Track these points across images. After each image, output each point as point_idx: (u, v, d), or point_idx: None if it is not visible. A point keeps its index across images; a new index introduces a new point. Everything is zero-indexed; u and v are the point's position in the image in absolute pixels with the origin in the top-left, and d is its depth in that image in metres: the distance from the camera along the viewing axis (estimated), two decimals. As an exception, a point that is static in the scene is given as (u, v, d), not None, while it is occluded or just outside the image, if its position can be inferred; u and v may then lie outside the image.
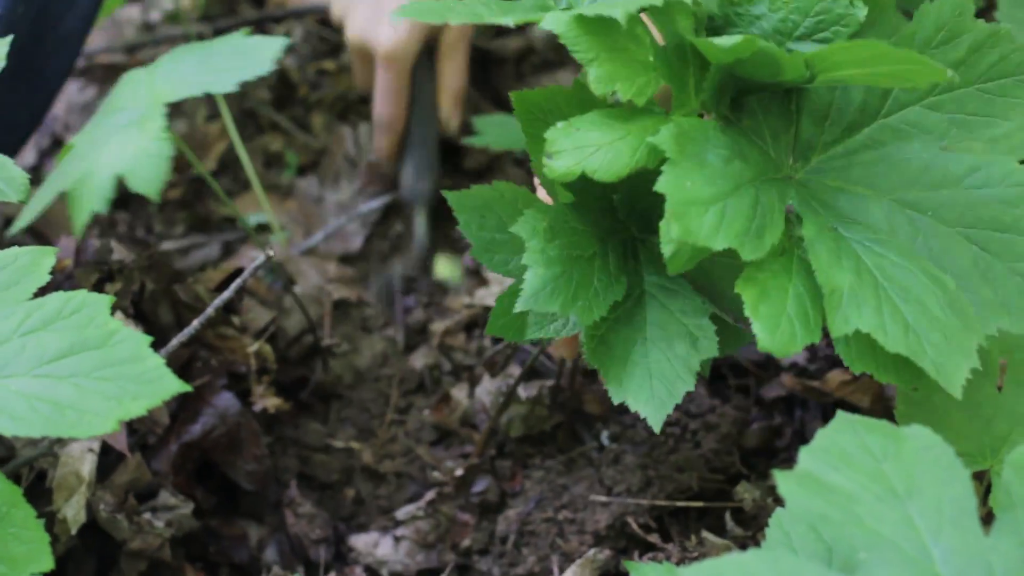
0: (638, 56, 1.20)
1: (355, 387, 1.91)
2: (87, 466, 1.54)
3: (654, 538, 1.60)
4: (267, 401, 1.73)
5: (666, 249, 1.10)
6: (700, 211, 1.10)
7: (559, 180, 1.16)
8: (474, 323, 1.94)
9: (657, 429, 1.25)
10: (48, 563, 1.02)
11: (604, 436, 1.73)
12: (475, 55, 2.30)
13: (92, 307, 1.04)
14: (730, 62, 1.20)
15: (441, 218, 2.10)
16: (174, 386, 1.00)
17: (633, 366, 1.29)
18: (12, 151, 1.81)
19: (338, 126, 2.26)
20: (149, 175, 1.43)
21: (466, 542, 1.68)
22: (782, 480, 0.95)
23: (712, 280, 1.36)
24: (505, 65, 2.34)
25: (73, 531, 1.50)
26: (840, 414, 1.01)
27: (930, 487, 0.95)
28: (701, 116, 1.25)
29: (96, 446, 1.56)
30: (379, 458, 1.82)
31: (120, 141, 1.48)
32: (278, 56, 1.52)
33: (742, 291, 1.13)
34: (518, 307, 1.19)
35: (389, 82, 2.06)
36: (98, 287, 1.65)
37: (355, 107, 2.28)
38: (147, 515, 1.57)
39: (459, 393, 1.83)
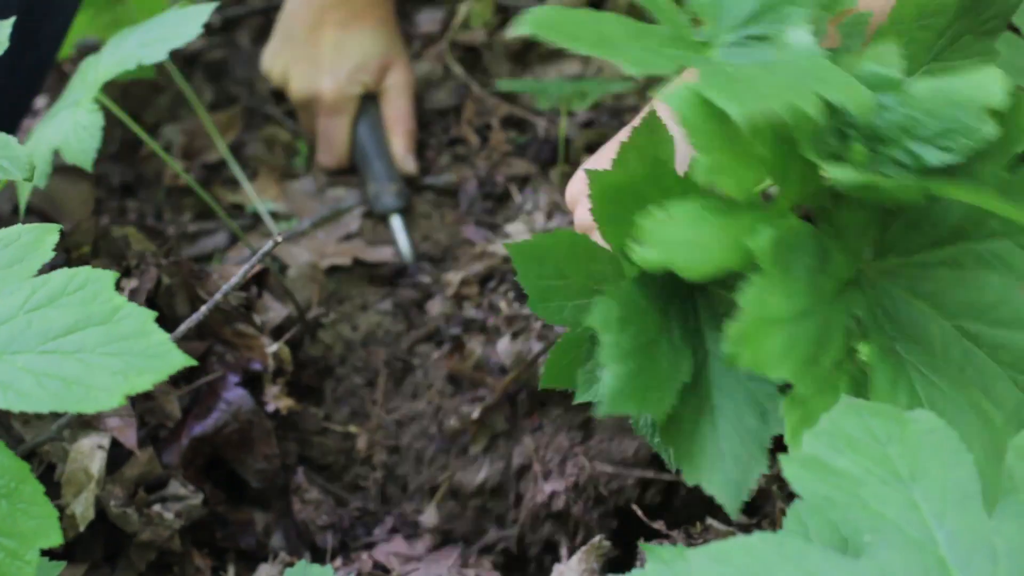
0: (751, 148, 1.10)
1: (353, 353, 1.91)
2: (96, 463, 1.54)
3: (659, 524, 1.61)
4: (281, 403, 1.73)
5: (729, 350, 1.05)
6: (772, 333, 1.05)
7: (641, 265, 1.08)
8: (489, 275, 1.94)
9: (734, 516, 1.19)
10: (57, 538, 1.02)
11: None
12: (476, 47, 2.32)
13: (97, 283, 1.04)
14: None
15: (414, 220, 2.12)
16: (180, 360, 1.00)
17: (703, 441, 1.21)
18: (10, 129, 1.83)
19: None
20: (82, 146, 1.53)
21: (480, 476, 1.69)
22: (787, 463, 0.95)
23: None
24: (506, 58, 2.35)
25: (81, 527, 1.50)
26: (844, 398, 1.01)
27: (934, 470, 0.95)
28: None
29: (106, 442, 1.56)
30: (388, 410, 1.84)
31: (59, 119, 1.57)
32: (204, 22, 1.60)
33: (786, 414, 1.09)
34: (601, 412, 1.13)
35: (332, 129, 2.15)
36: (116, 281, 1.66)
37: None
38: (157, 507, 1.57)
39: (474, 344, 1.85)
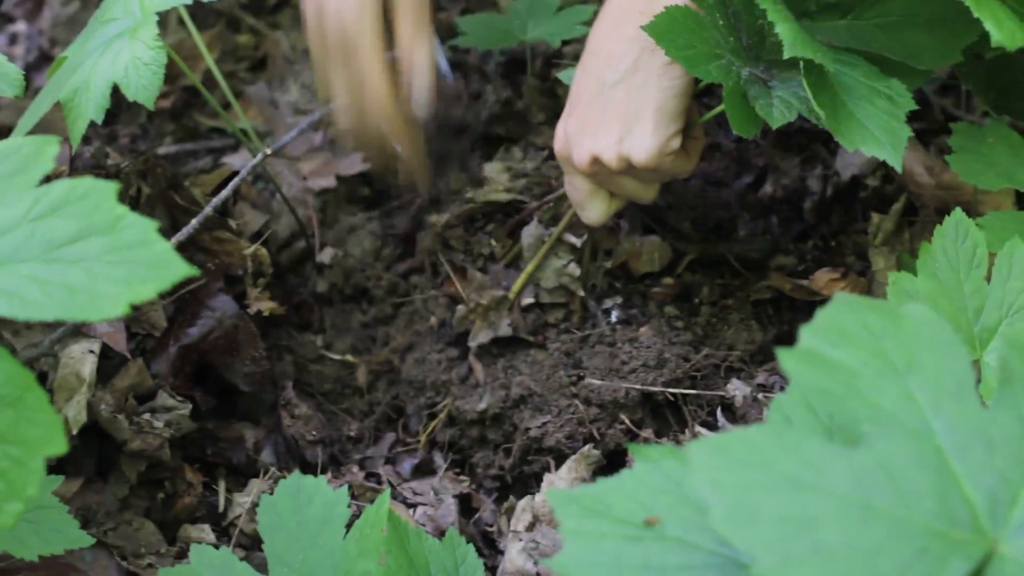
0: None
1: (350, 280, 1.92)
2: (87, 367, 1.55)
3: (647, 433, 1.63)
4: (262, 304, 1.75)
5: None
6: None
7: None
8: (473, 218, 1.95)
9: (899, 169, 1.38)
10: (61, 445, 1.03)
11: (614, 315, 1.77)
12: None
13: (99, 193, 1.04)
14: None
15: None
16: (182, 269, 1.00)
17: (849, 121, 1.41)
18: None
19: (271, 31, 2.27)
20: (144, 83, 1.46)
21: (481, 405, 1.72)
22: (785, 357, 0.96)
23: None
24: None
25: (74, 431, 1.52)
26: (839, 294, 1.02)
27: (929, 363, 0.96)
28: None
29: (96, 348, 1.58)
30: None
31: (113, 51, 1.49)
32: None
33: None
34: (785, 55, 1.33)
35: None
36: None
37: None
38: (146, 416, 1.59)
39: (473, 271, 1.86)
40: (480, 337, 1.79)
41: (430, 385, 1.80)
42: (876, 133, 1.38)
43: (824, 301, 1.70)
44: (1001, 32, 1.23)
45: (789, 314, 1.80)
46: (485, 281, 1.82)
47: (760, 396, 1.63)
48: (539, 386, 1.71)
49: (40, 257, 1.02)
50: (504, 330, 1.77)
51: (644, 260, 1.82)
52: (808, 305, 1.77)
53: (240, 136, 1.74)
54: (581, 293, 1.79)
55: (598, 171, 1.57)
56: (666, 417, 1.70)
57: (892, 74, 1.43)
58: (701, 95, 1.85)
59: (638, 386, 1.66)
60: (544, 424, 1.69)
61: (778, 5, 1.33)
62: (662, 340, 1.72)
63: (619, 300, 1.80)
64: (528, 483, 1.71)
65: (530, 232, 1.82)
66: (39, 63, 2.36)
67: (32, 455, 1.04)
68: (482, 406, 1.73)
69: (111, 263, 1.01)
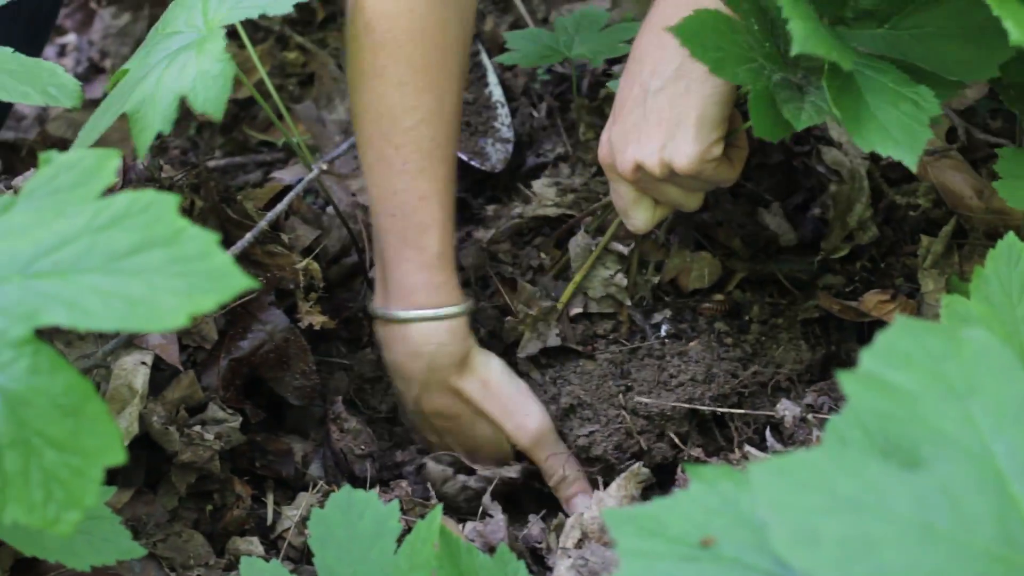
0: None
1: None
2: (140, 379, 1.56)
3: (694, 449, 1.63)
4: (313, 318, 1.75)
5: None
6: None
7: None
8: (520, 232, 1.95)
9: (914, 169, 1.36)
10: (120, 456, 1.03)
11: (663, 329, 1.77)
12: None
13: (160, 205, 1.04)
14: None
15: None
16: (243, 282, 1.01)
17: (869, 120, 1.40)
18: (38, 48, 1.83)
19: (318, 49, 2.27)
20: (212, 95, 1.45)
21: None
22: (846, 380, 0.96)
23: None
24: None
25: (126, 442, 1.52)
26: (899, 318, 1.02)
27: (990, 386, 0.96)
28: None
29: (149, 359, 1.58)
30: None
31: (180, 63, 1.50)
32: None
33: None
34: (794, 51, 1.28)
35: None
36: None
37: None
38: (197, 428, 1.59)
39: (523, 282, 1.87)
40: (529, 348, 1.79)
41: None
42: (895, 134, 1.38)
43: (873, 323, 1.71)
44: (1020, 32, 1.21)
45: (837, 335, 1.79)
46: (534, 292, 1.83)
47: (809, 417, 1.63)
48: (588, 395, 1.72)
49: (101, 268, 1.03)
50: (553, 340, 1.78)
51: (694, 276, 1.82)
52: (856, 326, 1.77)
53: (295, 148, 1.74)
54: (628, 303, 1.79)
55: (641, 178, 1.58)
56: (713, 433, 1.70)
57: (923, 83, 1.43)
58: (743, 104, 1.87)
59: (685, 401, 1.67)
60: (592, 433, 1.69)
61: (798, 4, 1.33)
62: (711, 355, 1.72)
63: (668, 314, 1.80)
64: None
65: (577, 242, 1.82)
66: (88, 75, 2.38)
67: (91, 465, 1.04)
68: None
69: (172, 275, 1.02)
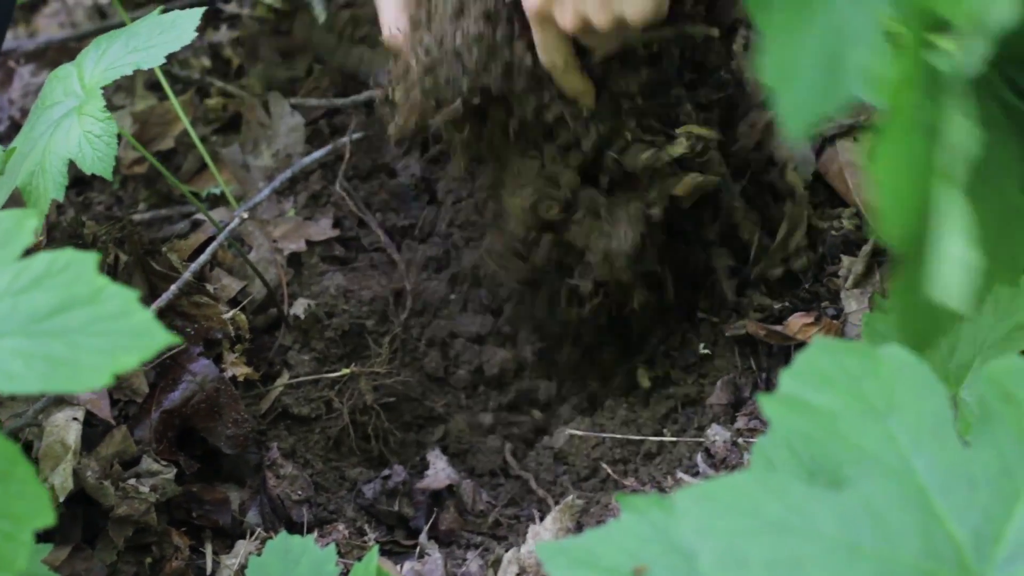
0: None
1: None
2: (72, 435, 1.56)
3: (630, 481, 1.63)
4: (238, 369, 1.76)
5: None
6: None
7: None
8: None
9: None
10: (49, 518, 1.03)
11: None
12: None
13: (79, 264, 1.05)
14: None
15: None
16: (165, 339, 1.01)
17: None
18: None
19: (246, 95, 2.28)
20: (100, 155, 1.48)
21: None
22: (766, 403, 0.98)
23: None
24: None
25: (61, 498, 1.52)
26: (817, 338, 1.03)
27: (909, 403, 0.97)
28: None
29: (80, 415, 1.58)
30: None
31: (63, 129, 1.53)
32: (197, 24, 1.56)
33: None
34: None
35: None
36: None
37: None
38: (132, 481, 1.59)
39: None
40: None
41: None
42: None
43: (799, 345, 1.73)
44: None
45: (766, 360, 1.81)
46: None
47: (740, 441, 1.64)
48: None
49: (23, 331, 1.03)
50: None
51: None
52: (783, 350, 1.78)
53: (202, 209, 1.75)
54: None
55: None
56: (647, 463, 1.71)
57: None
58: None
59: (619, 434, 1.68)
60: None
61: None
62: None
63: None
64: (516, 533, 1.72)
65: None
66: (10, 133, 2.37)
67: (21, 529, 1.04)
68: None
69: (94, 334, 1.02)
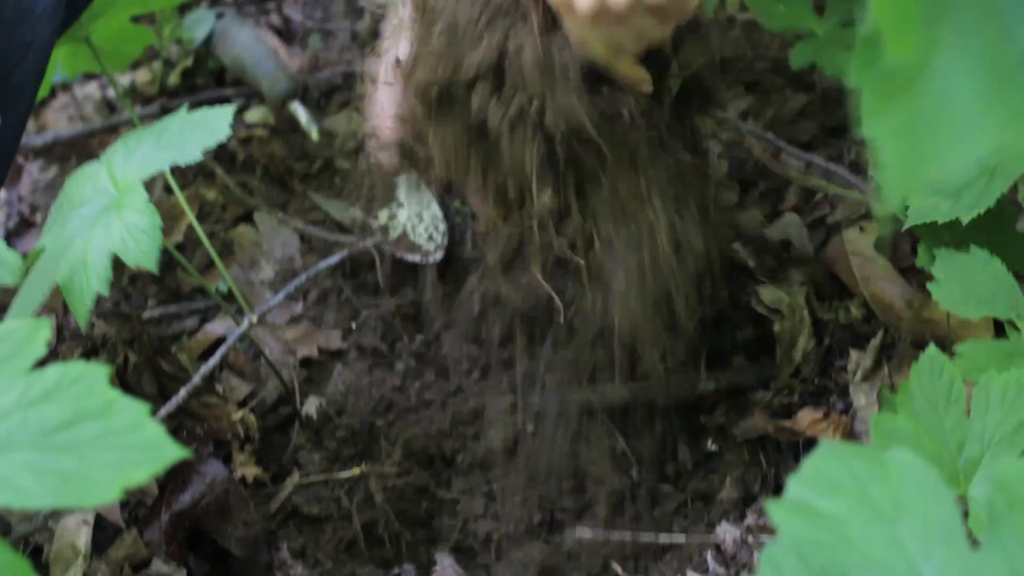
0: None
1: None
2: (82, 538, 1.56)
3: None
4: (247, 470, 1.76)
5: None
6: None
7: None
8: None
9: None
10: (58, 632, 1.04)
11: None
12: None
13: (90, 377, 1.05)
14: None
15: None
16: (175, 452, 1.01)
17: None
18: None
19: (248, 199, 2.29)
20: (144, 247, 1.47)
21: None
22: (774, 509, 0.98)
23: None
24: None
25: (73, 602, 1.52)
26: (824, 442, 1.03)
27: (916, 507, 0.97)
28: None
29: (90, 518, 1.58)
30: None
31: (104, 224, 1.51)
32: (231, 122, 1.56)
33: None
34: None
35: None
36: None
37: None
38: (141, 585, 1.60)
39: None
40: None
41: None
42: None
43: (808, 441, 1.73)
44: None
45: (775, 455, 1.81)
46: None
47: (750, 539, 1.64)
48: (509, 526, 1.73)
49: (33, 445, 1.03)
50: None
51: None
52: (792, 445, 1.78)
53: (220, 303, 1.75)
54: None
55: None
56: (658, 561, 1.70)
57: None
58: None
59: (628, 534, 1.67)
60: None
61: None
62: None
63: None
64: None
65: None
66: (20, 229, 2.38)
67: (31, 640, 1.04)
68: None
69: (104, 448, 1.03)
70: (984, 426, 1.40)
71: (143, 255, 1.48)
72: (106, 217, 1.53)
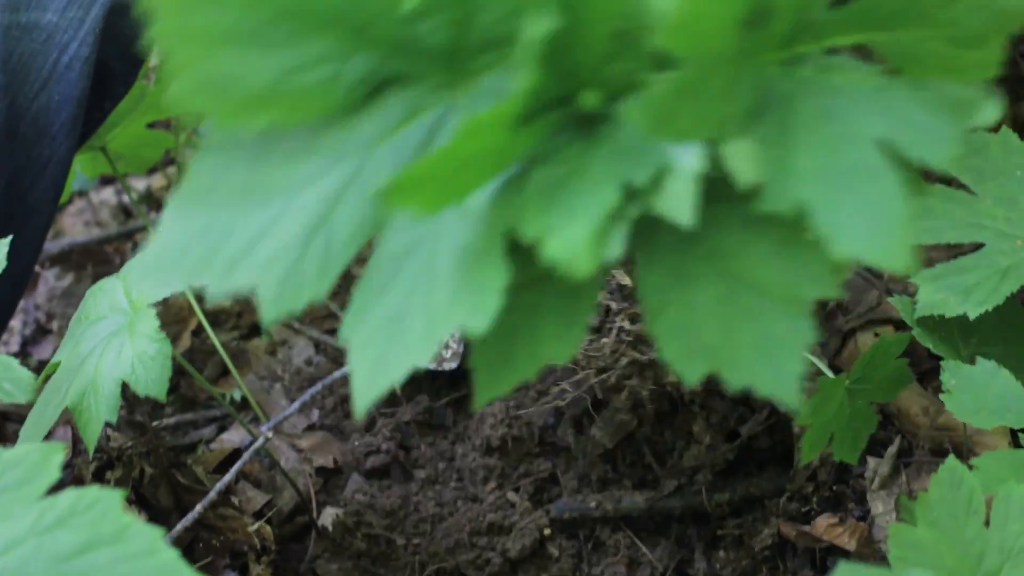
0: None
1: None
2: (98, 662, 1.55)
3: None
4: (265, 582, 1.76)
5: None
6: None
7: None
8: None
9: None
10: None
11: None
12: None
13: (105, 502, 1.05)
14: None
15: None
16: (189, 577, 1.02)
17: None
18: None
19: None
20: (153, 376, 1.47)
21: None
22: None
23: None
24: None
25: None
26: (842, 564, 1.03)
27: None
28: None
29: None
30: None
31: (115, 348, 1.52)
32: None
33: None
34: None
35: None
36: (99, 475, 1.67)
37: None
38: None
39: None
40: None
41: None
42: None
43: (826, 548, 1.72)
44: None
45: (792, 562, 1.80)
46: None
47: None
48: None
49: (48, 571, 1.03)
50: None
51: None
52: (808, 552, 1.77)
53: (234, 414, 1.76)
54: None
55: None
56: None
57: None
58: None
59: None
60: None
61: None
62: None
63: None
64: None
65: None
66: (36, 336, 2.39)
67: None
68: None
69: (119, 574, 1.03)
70: (1004, 537, 1.40)
71: (152, 384, 1.48)
72: (118, 340, 1.54)
